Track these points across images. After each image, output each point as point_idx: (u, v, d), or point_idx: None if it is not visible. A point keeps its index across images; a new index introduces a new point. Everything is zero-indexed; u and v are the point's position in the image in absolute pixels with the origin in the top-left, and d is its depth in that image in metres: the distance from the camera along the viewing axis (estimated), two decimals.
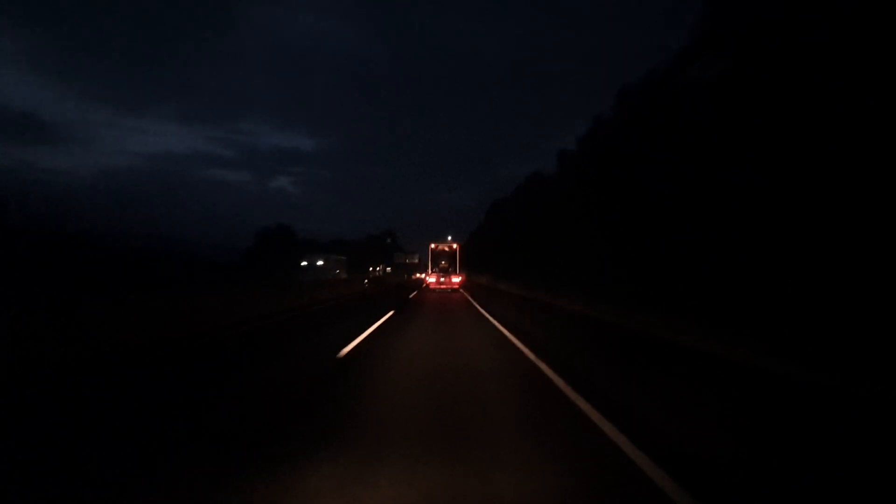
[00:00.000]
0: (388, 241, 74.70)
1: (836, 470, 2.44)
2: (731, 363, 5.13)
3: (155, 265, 28.27)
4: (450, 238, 29.16)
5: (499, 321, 9.77)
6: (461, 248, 27.26)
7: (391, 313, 11.24)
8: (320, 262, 47.28)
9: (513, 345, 6.85)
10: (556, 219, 17.05)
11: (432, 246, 26.03)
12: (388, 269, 62.69)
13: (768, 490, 2.28)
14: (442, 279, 24.14)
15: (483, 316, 11.24)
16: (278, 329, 8.81)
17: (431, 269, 25.42)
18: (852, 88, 5.54)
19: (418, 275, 59.69)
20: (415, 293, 22.13)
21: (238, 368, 5.38)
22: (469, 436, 3.06)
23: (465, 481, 2.37)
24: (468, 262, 45.91)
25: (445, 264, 25.02)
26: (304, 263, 46.27)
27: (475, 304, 15.11)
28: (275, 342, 7.42)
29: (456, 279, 24.41)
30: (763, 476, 2.43)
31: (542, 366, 5.26)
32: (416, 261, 55.47)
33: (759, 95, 6.78)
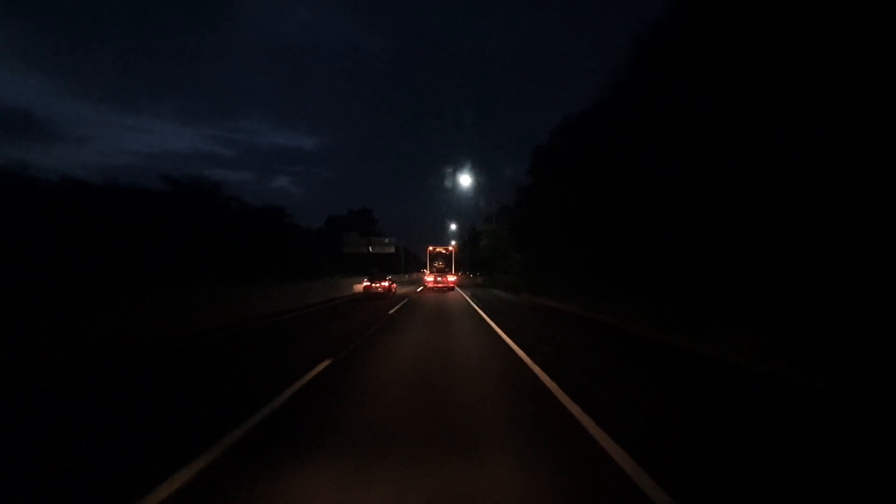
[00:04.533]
0: (388, 244, 37.15)
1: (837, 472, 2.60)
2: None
3: None
4: (452, 244, 30.03)
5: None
6: (457, 249, 28.31)
7: None
8: None
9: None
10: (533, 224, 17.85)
11: (430, 248, 27.38)
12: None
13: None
14: (439, 279, 25.63)
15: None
16: None
17: (430, 270, 26.75)
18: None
19: (404, 277, 40.27)
20: None
21: None
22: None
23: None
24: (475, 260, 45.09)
25: (442, 265, 26.56)
26: None
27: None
28: None
29: (452, 278, 26.09)
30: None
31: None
32: (393, 250, 39.33)
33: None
